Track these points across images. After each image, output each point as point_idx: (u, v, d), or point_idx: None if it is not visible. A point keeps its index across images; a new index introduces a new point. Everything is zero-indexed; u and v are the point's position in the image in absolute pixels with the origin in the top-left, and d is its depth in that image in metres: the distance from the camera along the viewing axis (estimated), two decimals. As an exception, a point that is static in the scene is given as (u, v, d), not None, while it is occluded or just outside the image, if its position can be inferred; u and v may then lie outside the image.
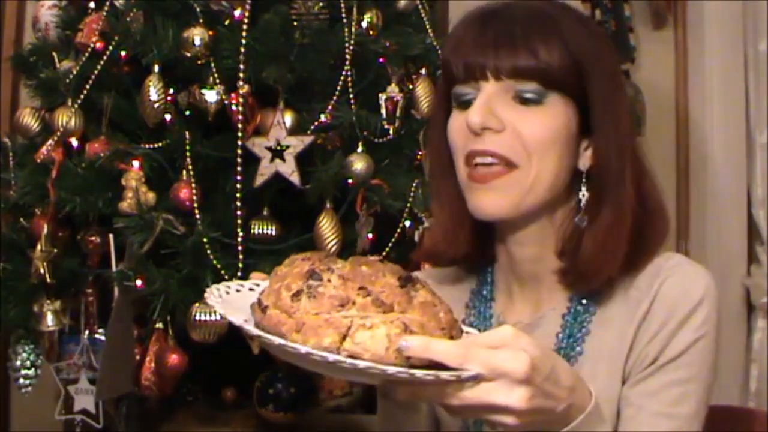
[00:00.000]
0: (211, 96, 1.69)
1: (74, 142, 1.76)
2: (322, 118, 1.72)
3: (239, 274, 1.58)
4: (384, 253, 1.69)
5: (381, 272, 0.90)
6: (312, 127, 1.72)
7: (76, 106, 1.74)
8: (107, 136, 1.73)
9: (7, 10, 2.62)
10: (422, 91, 1.81)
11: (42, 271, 1.69)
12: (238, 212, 1.64)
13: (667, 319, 1.07)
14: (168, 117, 1.71)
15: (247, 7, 1.70)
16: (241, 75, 1.66)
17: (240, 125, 1.66)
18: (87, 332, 1.76)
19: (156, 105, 1.68)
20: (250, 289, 0.99)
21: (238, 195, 1.64)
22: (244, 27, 1.68)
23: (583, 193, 1.11)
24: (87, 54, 1.76)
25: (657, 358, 1.07)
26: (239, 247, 1.63)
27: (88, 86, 1.74)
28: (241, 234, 1.63)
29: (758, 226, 2.63)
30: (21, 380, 1.82)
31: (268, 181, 1.68)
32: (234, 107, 1.67)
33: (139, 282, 1.61)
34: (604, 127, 1.10)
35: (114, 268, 1.67)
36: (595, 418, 0.94)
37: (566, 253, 1.11)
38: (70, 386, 1.77)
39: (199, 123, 1.72)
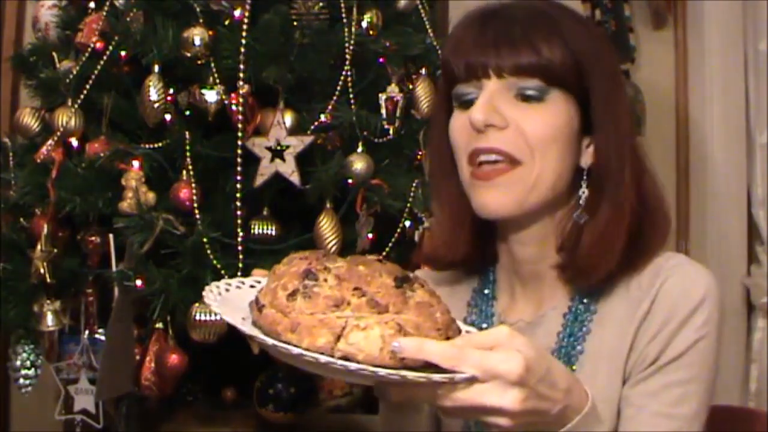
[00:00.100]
0: (211, 96, 1.69)
1: (74, 142, 1.76)
2: (322, 118, 1.72)
3: (239, 274, 1.58)
4: (384, 253, 1.69)
5: (378, 272, 0.90)
6: (312, 127, 1.72)
7: (76, 106, 1.74)
8: (107, 136, 1.73)
9: (7, 10, 2.62)
10: (422, 91, 1.81)
11: (42, 271, 1.69)
12: (238, 212, 1.64)
13: (668, 319, 1.07)
14: (168, 117, 1.71)
15: (247, 7, 1.69)
16: (241, 75, 1.66)
17: (240, 125, 1.66)
18: (87, 332, 1.76)
19: (156, 105, 1.68)
20: (251, 286, 0.99)
21: (238, 195, 1.64)
22: (244, 27, 1.68)
23: (583, 191, 1.12)
24: (87, 54, 1.76)
25: (658, 358, 1.06)
26: (239, 247, 1.63)
27: (88, 86, 1.74)
28: (241, 234, 1.63)
29: (758, 226, 2.63)
30: (21, 380, 1.82)
31: (268, 181, 1.68)
32: (234, 107, 1.67)
33: (139, 282, 1.61)
34: (605, 124, 1.10)
35: (114, 268, 1.67)
36: (591, 419, 0.94)
37: (565, 249, 1.11)
38: (70, 386, 1.77)
39: (199, 123, 1.72)
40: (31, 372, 1.81)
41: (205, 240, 1.61)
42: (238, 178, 1.64)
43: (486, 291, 1.21)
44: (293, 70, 1.71)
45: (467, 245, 1.17)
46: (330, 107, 1.72)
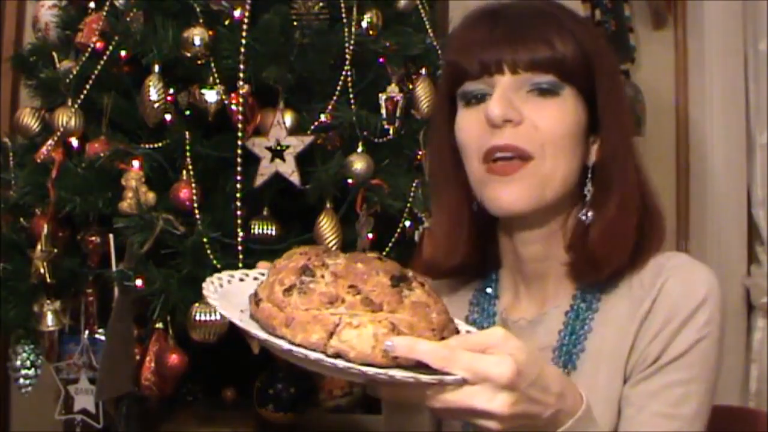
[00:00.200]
0: (211, 96, 1.69)
1: (74, 142, 1.76)
2: (322, 118, 1.72)
3: (239, 274, 1.58)
4: (384, 253, 1.69)
5: (375, 271, 0.90)
6: (312, 127, 1.72)
7: (76, 106, 1.74)
8: (107, 136, 1.73)
9: (7, 10, 2.62)
10: (422, 91, 1.81)
11: (42, 271, 1.69)
12: (238, 212, 1.64)
13: (670, 318, 1.07)
14: (168, 117, 1.71)
15: (247, 7, 1.69)
16: (241, 75, 1.66)
17: (240, 125, 1.66)
18: (87, 332, 1.76)
19: (156, 105, 1.68)
20: (255, 279, 1.00)
21: (238, 195, 1.64)
22: (244, 27, 1.68)
23: (589, 189, 1.12)
24: (87, 54, 1.76)
25: (659, 357, 1.07)
26: (239, 247, 1.63)
27: (88, 86, 1.74)
28: (241, 234, 1.63)
29: (758, 226, 2.63)
30: (21, 380, 1.82)
31: (268, 181, 1.68)
32: (234, 107, 1.67)
33: (139, 282, 1.61)
34: (611, 122, 1.11)
35: (114, 268, 1.67)
36: (585, 423, 0.93)
37: (574, 247, 1.11)
38: (70, 386, 1.77)
39: (199, 123, 1.72)
40: (31, 372, 1.81)
41: (205, 240, 1.61)
42: (238, 178, 1.64)
43: (488, 290, 1.21)
44: (293, 70, 1.71)
45: (467, 247, 1.17)
46: (330, 107, 1.72)
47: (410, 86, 1.83)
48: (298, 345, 0.87)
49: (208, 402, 1.89)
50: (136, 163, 1.68)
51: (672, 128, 2.74)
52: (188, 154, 1.68)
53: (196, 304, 1.60)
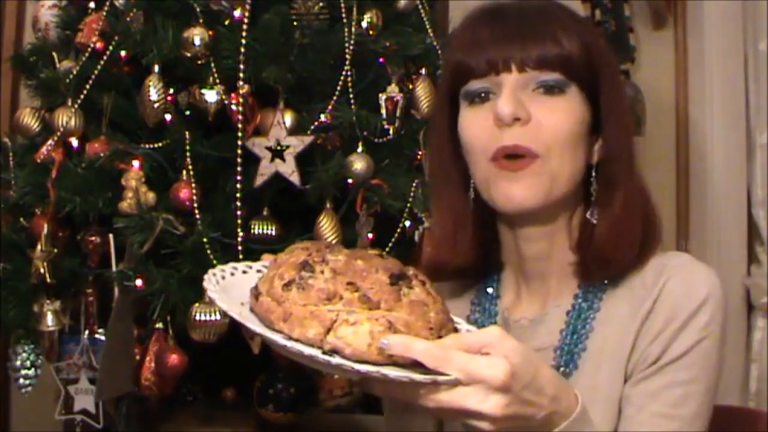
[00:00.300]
0: (211, 96, 1.69)
1: (74, 142, 1.76)
2: (322, 118, 1.72)
3: (239, 273, 1.58)
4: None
5: (374, 268, 0.91)
6: (312, 127, 1.72)
7: (76, 106, 1.74)
8: (107, 136, 1.73)
9: (7, 10, 2.62)
10: (422, 91, 1.81)
11: (42, 271, 1.69)
12: (238, 212, 1.64)
13: (671, 318, 1.07)
14: (168, 117, 1.71)
15: (247, 7, 1.69)
16: (241, 75, 1.66)
17: (240, 125, 1.66)
18: (87, 332, 1.76)
19: (156, 105, 1.68)
20: (258, 271, 1.00)
21: (238, 195, 1.64)
22: (244, 27, 1.68)
23: (594, 187, 1.12)
24: (87, 54, 1.76)
25: (659, 357, 1.06)
26: (239, 247, 1.63)
27: (88, 86, 1.74)
28: (241, 234, 1.63)
29: (758, 226, 2.62)
30: (21, 380, 1.82)
31: (268, 181, 1.68)
32: (234, 107, 1.67)
33: (139, 282, 1.61)
34: (614, 121, 1.11)
35: (114, 268, 1.67)
36: (580, 424, 0.93)
37: (581, 246, 1.11)
38: (70, 386, 1.77)
39: (199, 123, 1.72)
40: (31, 372, 1.81)
41: (205, 240, 1.61)
42: (238, 178, 1.64)
43: (490, 290, 1.21)
44: (293, 70, 1.71)
45: (471, 248, 1.17)
46: (330, 107, 1.72)
47: (410, 86, 1.83)
48: (296, 340, 0.87)
49: (208, 402, 1.89)
50: (136, 163, 1.68)
51: (672, 128, 2.74)
52: (188, 154, 1.68)
53: (196, 304, 1.60)
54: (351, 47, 1.75)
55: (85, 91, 1.74)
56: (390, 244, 1.73)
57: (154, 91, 1.68)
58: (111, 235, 1.69)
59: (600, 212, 1.11)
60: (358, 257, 0.92)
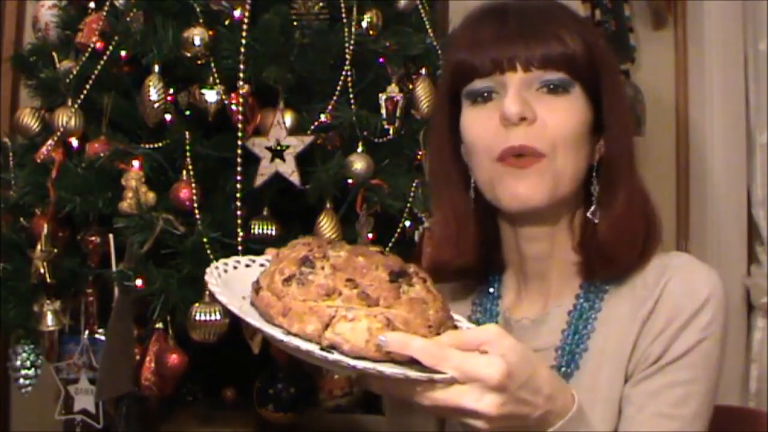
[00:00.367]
0: (211, 96, 1.69)
1: (74, 142, 1.76)
2: (322, 118, 1.72)
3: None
4: (384, 253, 1.69)
5: (375, 265, 0.91)
6: (312, 127, 1.71)
7: (76, 106, 1.74)
8: (107, 136, 1.73)
9: (7, 10, 2.61)
10: (422, 91, 1.81)
11: (42, 271, 1.69)
12: (238, 212, 1.64)
13: (672, 318, 1.07)
14: (168, 117, 1.71)
15: (247, 7, 1.69)
16: (241, 75, 1.66)
17: (240, 125, 1.66)
18: (87, 332, 1.76)
19: (156, 105, 1.68)
20: (261, 265, 1.01)
21: (238, 195, 1.64)
22: (244, 27, 1.68)
23: (595, 187, 1.12)
24: (87, 54, 1.76)
25: (660, 357, 1.07)
26: (239, 247, 1.63)
27: (88, 86, 1.74)
28: (241, 234, 1.63)
29: (758, 226, 2.62)
30: (21, 380, 1.82)
31: (268, 181, 1.68)
32: (234, 107, 1.67)
33: (139, 282, 1.61)
34: (616, 121, 1.12)
35: (114, 268, 1.67)
36: (576, 423, 0.93)
37: (584, 245, 1.12)
38: (70, 386, 1.77)
39: (199, 123, 1.72)
40: (31, 372, 1.81)
41: (205, 240, 1.61)
42: (238, 178, 1.64)
43: (491, 290, 1.21)
44: (293, 70, 1.71)
45: (474, 249, 1.17)
46: (330, 107, 1.72)
47: (410, 86, 1.83)
48: (294, 335, 0.88)
49: (208, 402, 1.89)
50: (136, 163, 1.68)
51: (672, 128, 2.74)
52: (188, 154, 1.68)
53: (196, 304, 1.60)
54: (351, 47, 1.74)
55: (85, 91, 1.74)
56: (390, 244, 1.73)
57: (154, 91, 1.67)
58: (111, 235, 1.68)
59: (602, 212, 1.11)
60: (359, 254, 0.92)
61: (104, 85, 1.75)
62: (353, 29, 1.75)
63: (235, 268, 1.00)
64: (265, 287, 0.92)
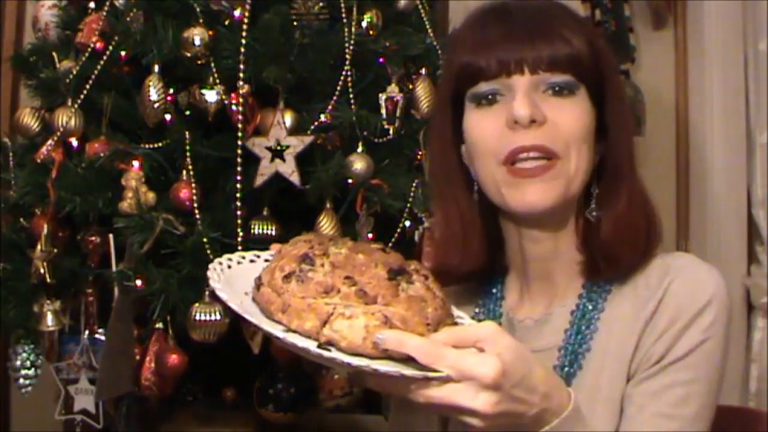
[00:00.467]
0: (211, 96, 1.69)
1: (74, 142, 1.76)
2: (322, 118, 1.72)
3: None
4: (384, 253, 1.69)
5: (374, 263, 0.92)
6: (312, 127, 1.72)
7: (76, 106, 1.74)
8: (107, 136, 1.73)
9: (7, 10, 2.61)
10: (422, 91, 1.81)
11: (42, 271, 1.69)
12: (238, 212, 1.64)
13: (675, 318, 1.07)
14: (168, 117, 1.71)
15: (247, 7, 1.69)
16: (241, 75, 1.66)
17: (240, 125, 1.66)
18: (87, 332, 1.76)
19: (156, 105, 1.68)
20: (266, 261, 1.02)
21: (238, 195, 1.64)
22: (244, 27, 1.68)
23: (594, 188, 1.12)
24: (87, 54, 1.76)
25: (662, 357, 1.06)
26: (239, 247, 1.63)
27: (88, 86, 1.74)
28: (241, 234, 1.63)
29: (758, 226, 2.62)
30: (21, 380, 1.82)
31: (268, 181, 1.68)
32: (234, 107, 1.67)
33: (139, 282, 1.61)
34: (618, 121, 1.12)
35: (114, 268, 1.67)
36: (572, 422, 0.94)
37: (587, 244, 1.12)
38: (70, 386, 1.77)
39: (199, 123, 1.72)
40: (31, 372, 1.81)
41: (205, 240, 1.61)
42: (238, 178, 1.64)
43: (494, 291, 1.21)
44: (293, 70, 1.71)
45: (479, 252, 1.16)
46: (330, 107, 1.72)
47: (410, 86, 1.83)
48: (293, 331, 0.89)
49: (208, 402, 1.89)
50: (136, 163, 1.68)
51: (672, 128, 2.74)
52: (188, 154, 1.68)
53: (196, 304, 1.60)
54: (351, 47, 1.75)
55: (85, 91, 1.74)
56: (390, 244, 1.73)
57: (154, 91, 1.68)
58: (111, 235, 1.69)
59: (604, 212, 1.11)
60: (360, 251, 0.93)
61: (104, 85, 1.75)
62: (353, 29, 1.75)
63: (239, 263, 1.01)
64: (266, 283, 0.93)
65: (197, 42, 1.68)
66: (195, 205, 1.64)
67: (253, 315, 0.91)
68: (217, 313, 1.58)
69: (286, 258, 0.93)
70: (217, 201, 1.70)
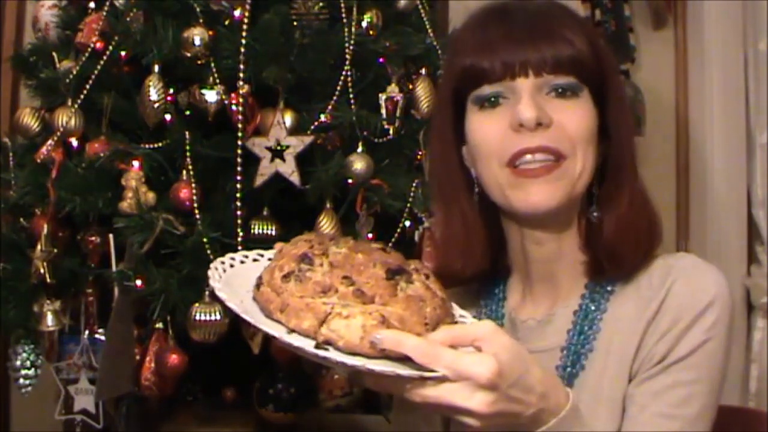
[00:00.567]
0: (211, 96, 1.69)
1: (74, 142, 1.76)
2: (322, 118, 1.72)
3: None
4: (384, 253, 1.69)
5: (373, 263, 0.93)
6: (312, 127, 1.71)
7: (76, 106, 1.74)
8: (107, 136, 1.73)
9: (7, 10, 2.61)
10: (422, 91, 1.81)
11: (42, 271, 1.69)
12: (238, 212, 1.64)
13: (677, 319, 1.07)
14: (168, 117, 1.71)
15: (247, 7, 1.69)
16: (241, 75, 1.66)
17: (240, 125, 1.66)
18: (87, 332, 1.76)
19: (156, 105, 1.68)
20: (269, 260, 1.02)
21: (238, 195, 1.64)
22: (244, 27, 1.68)
23: (596, 188, 1.12)
24: (87, 54, 1.76)
25: (665, 357, 1.07)
26: (239, 247, 1.63)
27: (88, 86, 1.74)
28: (241, 234, 1.63)
29: (758, 226, 2.62)
30: (21, 380, 1.82)
31: (268, 181, 1.68)
32: (234, 107, 1.67)
33: (139, 282, 1.61)
34: (620, 122, 1.12)
35: (114, 268, 1.67)
36: (569, 422, 0.94)
37: (590, 244, 1.12)
38: (70, 386, 1.77)
39: (199, 123, 1.72)
40: (31, 372, 1.81)
41: (205, 240, 1.61)
42: (238, 178, 1.64)
43: (496, 291, 1.21)
44: (293, 70, 1.71)
45: (483, 254, 1.17)
46: (330, 107, 1.72)
47: (410, 86, 1.83)
48: (292, 330, 0.90)
49: (208, 402, 1.89)
50: (136, 163, 1.68)
51: (672, 128, 2.74)
52: (188, 154, 1.68)
53: (196, 304, 1.60)
54: (351, 47, 1.74)
55: (85, 91, 1.74)
56: (390, 244, 1.73)
57: (154, 91, 1.68)
58: (111, 235, 1.68)
59: (605, 212, 1.11)
60: (359, 251, 0.94)
61: (104, 85, 1.75)
62: (353, 29, 1.75)
63: (242, 262, 1.01)
64: (265, 283, 0.94)
65: (197, 42, 1.68)
66: (195, 205, 1.64)
67: (252, 314, 0.91)
68: (217, 313, 1.58)
69: (286, 257, 0.94)
70: (217, 201, 1.69)
